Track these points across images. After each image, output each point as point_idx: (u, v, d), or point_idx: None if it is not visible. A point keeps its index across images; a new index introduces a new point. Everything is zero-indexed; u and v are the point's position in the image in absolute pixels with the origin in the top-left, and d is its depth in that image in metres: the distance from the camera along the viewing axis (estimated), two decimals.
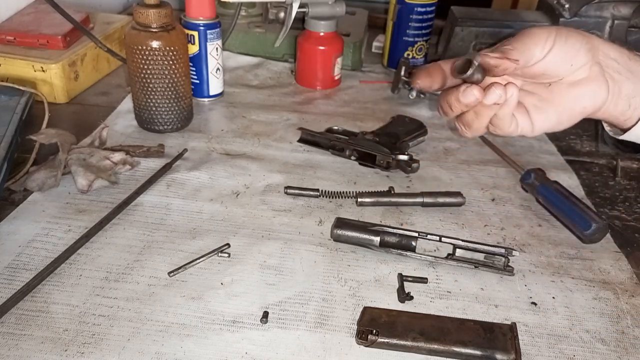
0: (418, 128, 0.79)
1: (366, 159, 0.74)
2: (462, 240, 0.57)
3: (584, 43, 0.50)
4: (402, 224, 0.63)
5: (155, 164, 0.70)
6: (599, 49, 0.51)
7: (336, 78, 0.96)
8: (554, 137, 0.84)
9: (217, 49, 0.85)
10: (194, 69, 0.84)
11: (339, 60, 0.94)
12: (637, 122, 0.53)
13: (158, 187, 0.66)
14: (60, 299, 0.50)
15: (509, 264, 0.56)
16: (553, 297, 0.54)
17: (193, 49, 0.83)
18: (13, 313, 0.48)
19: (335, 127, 0.79)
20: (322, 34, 0.91)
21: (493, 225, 0.64)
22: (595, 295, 0.55)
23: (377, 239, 0.58)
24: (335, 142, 0.75)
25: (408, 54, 1.01)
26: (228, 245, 0.58)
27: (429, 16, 0.98)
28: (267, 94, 0.93)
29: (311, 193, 0.66)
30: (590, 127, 0.87)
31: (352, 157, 0.75)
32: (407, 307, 0.52)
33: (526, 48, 0.49)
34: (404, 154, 0.71)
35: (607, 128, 0.58)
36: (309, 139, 0.78)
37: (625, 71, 0.51)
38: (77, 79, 0.87)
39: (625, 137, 0.55)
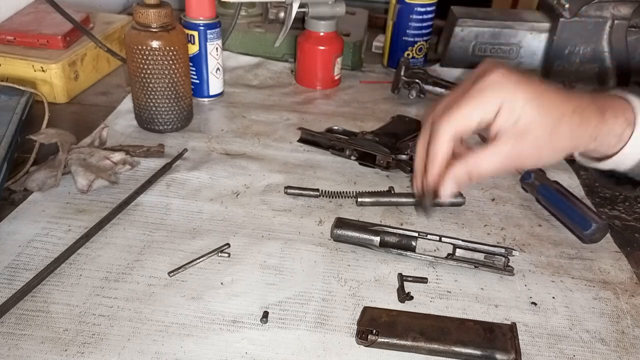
0: (418, 128, 0.79)
1: (366, 159, 0.74)
2: (462, 240, 0.57)
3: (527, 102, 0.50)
4: (402, 224, 0.63)
5: (155, 164, 0.70)
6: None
7: (336, 78, 0.96)
8: None
9: (217, 49, 0.85)
10: (194, 69, 0.84)
11: (339, 60, 0.94)
12: (612, 156, 0.54)
13: (158, 187, 0.66)
14: (60, 299, 0.50)
15: (509, 264, 0.56)
16: (553, 297, 0.54)
17: (193, 49, 0.83)
18: (13, 313, 0.48)
19: (335, 127, 0.79)
20: (322, 34, 0.91)
21: (493, 225, 0.64)
22: (595, 295, 0.55)
23: (377, 239, 0.58)
24: (335, 142, 0.75)
25: (408, 54, 1.01)
26: (228, 245, 0.58)
27: (429, 16, 0.98)
28: (267, 93, 0.93)
29: (311, 193, 0.66)
30: None
31: (352, 157, 0.75)
32: (407, 307, 0.52)
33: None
34: (404, 154, 0.71)
35: (578, 158, 0.58)
36: (308, 139, 0.78)
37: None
38: (77, 79, 0.87)
39: (591, 166, 0.56)
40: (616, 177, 0.59)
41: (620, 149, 0.53)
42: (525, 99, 0.50)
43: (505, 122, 0.50)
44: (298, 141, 0.78)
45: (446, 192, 0.53)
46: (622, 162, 0.55)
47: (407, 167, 0.71)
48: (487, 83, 0.50)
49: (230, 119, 0.84)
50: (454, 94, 0.53)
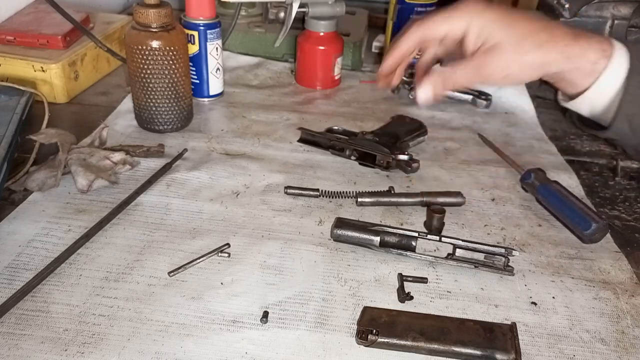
0: (418, 128, 0.79)
1: (366, 159, 0.74)
2: (462, 240, 0.57)
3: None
4: (402, 224, 0.63)
5: (155, 164, 0.70)
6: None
7: (336, 78, 0.96)
8: (554, 137, 0.84)
9: (217, 48, 0.85)
10: (194, 69, 0.84)
11: (339, 60, 0.94)
12: (584, 90, 0.58)
13: (158, 187, 0.66)
14: (60, 298, 0.50)
15: (509, 263, 0.56)
16: (553, 297, 0.54)
17: (193, 48, 0.83)
18: (13, 313, 0.48)
19: (335, 127, 0.79)
20: (322, 34, 0.91)
21: (493, 225, 0.64)
22: (595, 295, 0.55)
23: (377, 239, 0.58)
24: (335, 142, 0.75)
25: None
26: (228, 245, 0.58)
27: None
28: (267, 94, 0.93)
29: (311, 193, 0.66)
30: None
31: (352, 157, 0.75)
32: (407, 307, 0.52)
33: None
34: (404, 154, 0.71)
35: (559, 96, 0.64)
36: (308, 138, 0.78)
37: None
38: (77, 79, 0.87)
39: (570, 105, 0.61)
40: (591, 124, 0.62)
41: (594, 81, 0.57)
42: (492, 18, 0.57)
43: (475, 39, 0.58)
44: (298, 141, 0.78)
45: (421, 94, 0.62)
46: (597, 99, 0.58)
47: (408, 167, 0.71)
48: (459, 6, 0.59)
49: (230, 119, 0.84)
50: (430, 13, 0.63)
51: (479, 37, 0.58)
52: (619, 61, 0.56)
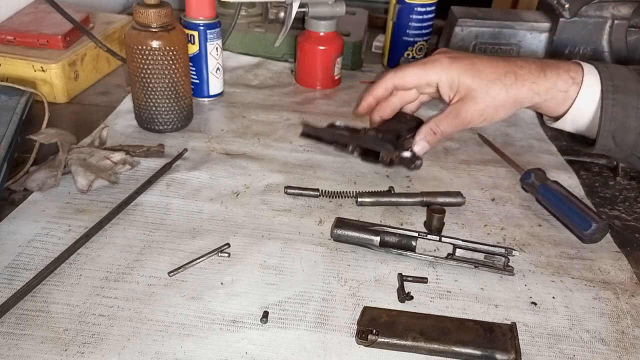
0: (419, 125, 0.79)
1: (369, 155, 0.73)
2: (462, 240, 0.57)
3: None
4: (402, 224, 0.63)
5: (155, 163, 0.70)
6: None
7: (336, 78, 0.96)
8: (554, 137, 0.84)
9: (217, 48, 0.85)
10: (194, 69, 0.84)
11: (339, 60, 0.94)
12: (564, 113, 0.62)
13: (158, 187, 0.66)
14: (60, 298, 0.50)
15: (509, 263, 0.56)
16: (553, 297, 0.54)
17: (193, 48, 0.83)
18: (13, 313, 0.48)
19: (338, 123, 0.78)
20: (322, 34, 0.91)
21: (493, 225, 0.64)
22: (595, 295, 0.55)
23: (377, 239, 0.58)
24: (338, 136, 0.74)
25: (408, 54, 1.01)
26: (228, 245, 0.58)
27: (429, 16, 0.98)
28: (267, 93, 0.93)
29: (311, 193, 0.66)
30: None
31: (355, 153, 0.74)
32: (407, 307, 0.52)
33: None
34: (407, 151, 0.71)
35: (544, 118, 0.67)
36: (310, 133, 0.77)
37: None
38: (77, 78, 0.87)
39: (555, 125, 0.64)
40: (585, 140, 0.65)
41: (570, 106, 0.61)
42: (459, 71, 0.63)
43: (448, 91, 0.65)
44: (300, 135, 0.77)
45: (418, 149, 0.68)
46: (577, 120, 0.62)
47: (411, 164, 0.70)
48: (429, 60, 0.66)
49: (230, 119, 0.84)
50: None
51: (451, 88, 0.64)
52: (590, 84, 0.59)
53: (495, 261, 0.56)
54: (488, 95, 0.62)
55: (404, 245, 0.58)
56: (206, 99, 0.88)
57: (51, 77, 0.82)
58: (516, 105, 0.63)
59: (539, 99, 0.61)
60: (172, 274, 0.54)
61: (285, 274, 0.55)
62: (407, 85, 0.68)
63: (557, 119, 0.63)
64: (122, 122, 0.80)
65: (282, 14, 1.02)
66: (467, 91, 0.63)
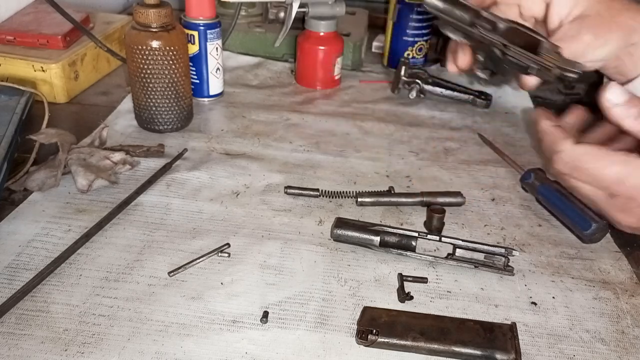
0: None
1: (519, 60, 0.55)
2: (462, 240, 0.57)
3: None
4: (402, 224, 0.63)
5: (155, 163, 0.70)
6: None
7: (336, 78, 0.96)
8: None
9: (217, 48, 0.85)
10: (194, 68, 0.84)
11: (339, 60, 0.94)
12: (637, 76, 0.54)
13: (158, 187, 0.66)
14: (60, 298, 0.50)
15: (509, 263, 0.56)
16: (553, 297, 0.54)
17: (193, 48, 0.83)
18: (13, 313, 0.48)
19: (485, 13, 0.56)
20: (322, 34, 0.91)
21: (493, 225, 0.64)
22: (595, 295, 0.55)
23: (377, 239, 0.58)
24: (480, 28, 0.55)
25: (408, 54, 1.01)
26: (228, 245, 0.58)
27: (429, 16, 0.98)
28: (267, 93, 0.93)
29: (311, 193, 0.66)
30: None
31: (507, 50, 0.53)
32: (407, 307, 0.52)
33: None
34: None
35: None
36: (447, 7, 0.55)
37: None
38: (77, 78, 0.87)
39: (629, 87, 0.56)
40: None
41: None
42: None
43: (564, 7, 0.54)
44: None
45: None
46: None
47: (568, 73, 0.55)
48: None
49: (230, 119, 0.84)
50: None
51: (563, 8, 0.55)
52: None
53: (495, 261, 0.56)
54: (610, 11, 0.53)
55: (404, 245, 0.58)
56: (206, 99, 0.88)
57: (51, 77, 0.82)
58: (629, 32, 0.53)
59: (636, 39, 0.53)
60: (172, 274, 0.54)
61: (285, 274, 0.55)
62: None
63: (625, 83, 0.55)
64: (122, 122, 0.80)
65: (282, 14, 1.02)
66: (584, 10, 0.53)
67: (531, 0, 0.57)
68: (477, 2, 0.56)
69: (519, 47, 0.51)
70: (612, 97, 0.49)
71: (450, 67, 0.60)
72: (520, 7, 0.58)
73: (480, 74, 0.57)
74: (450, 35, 0.56)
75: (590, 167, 0.50)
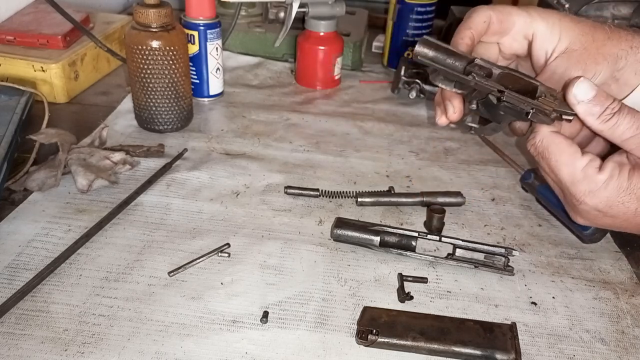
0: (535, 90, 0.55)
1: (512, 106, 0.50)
2: (462, 240, 0.57)
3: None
4: (402, 224, 0.63)
5: (155, 163, 0.70)
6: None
7: (336, 78, 0.96)
8: None
9: (217, 48, 0.85)
10: (194, 68, 0.84)
11: (339, 60, 0.94)
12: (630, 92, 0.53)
13: (158, 187, 0.66)
14: (60, 298, 0.50)
15: (509, 263, 0.56)
16: (553, 297, 0.54)
17: (193, 48, 0.83)
18: (13, 313, 0.48)
19: (478, 61, 0.51)
20: (322, 33, 0.91)
21: (493, 225, 0.64)
22: (595, 295, 0.55)
23: (377, 239, 0.58)
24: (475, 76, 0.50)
25: (408, 54, 1.01)
26: (228, 245, 0.58)
27: (429, 16, 0.98)
28: (267, 93, 0.93)
29: (311, 193, 0.66)
30: None
31: (501, 99, 0.50)
32: (407, 307, 0.52)
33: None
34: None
35: None
36: (430, 53, 0.51)
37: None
38: (77, 78, 0.87)
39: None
40: None
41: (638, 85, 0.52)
42: (556, 17, 0.52)
43: (548, 43, 0.52)
44: (415, 54, 0.52)
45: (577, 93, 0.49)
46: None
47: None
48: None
49: (230, 119, 0.84)
50: None
51: (550, 40, 0.53)
52: None
53: (495, 261, 0.56)
54: (595, 42, 0.51)
55: (404, 245, 0.58)
56: (206, 99, 0.88)
57: (51, 77, 0.82)
58: (614, 58, 0.52)
59: (624, 62, 0.51)
60: (172, 274, 0.54)
61: (285, 274, 0.55)
62: (507, 24, 0.54)
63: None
64: (122, 122, 0.80)
65: (282, 14, 1.02)
66: (569, 40, 0.52)
67: (511, 37, 0.55)
68: (466, 49, 0.54)
69: (514, 92, 0.50)
70: (578, 93, 0.48)
71: (441, 120, 0.57)
72: (500, 45, 0.56)
73: (470, 123, 0.56)
74: (442, 85, 0.54)
75: (552, 160, 0.50)
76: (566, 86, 0.49)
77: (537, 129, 0.51)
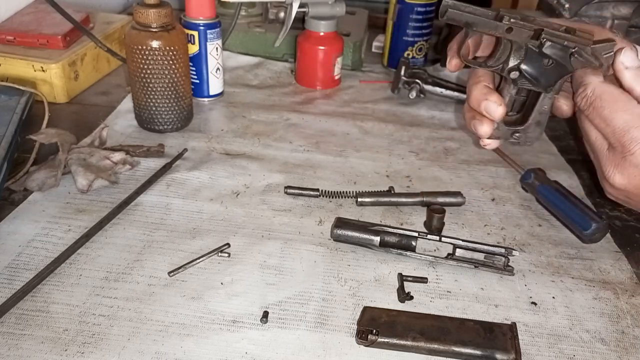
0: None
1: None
2: (462, 240, 0.57)
3: None
4: (402, 224, 0.63)
5: (155, 163, 0.70)
6: None
7: (336, 78, 0.96)
8: (554, 137, 0.84)
9: (217, 48, 0.85)
10: (194, 68, 0.84)
11: (339, 60, 0.94)
12: None
13: (158, 187, 0.66)
14: (60, 298, 0.50)
15: (509, 263, 0.56)
16: (553, 297, 0.54)
17: (193, 48, 0.83)
18: (13, 313, 0.48)
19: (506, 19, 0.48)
20: (322, 33, 0.91)
21: (493, 225, 0.64)
22: (595, 295, 0.55)
23: (377, 239, 0.58)
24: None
25: (408, 54, 1.01)
26: (228, 245, 0.58)
27: (429, 16, 0.98)
28: (267, 93, 0.93)
29: (311, 193, 0.66)
30: None
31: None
32: (407, 307, 0.52)
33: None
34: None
35: None
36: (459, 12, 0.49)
37: None
38: (77, 78, 0.87)
39: None
40: None
41: None
42: None
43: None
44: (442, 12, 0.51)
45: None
46: None
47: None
48: None
49: (230, 119, 0.84)
50: None
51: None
52: None
53: (495, 261, 0.56)
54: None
55: (404, 245, 0.58)
56: (206, 99, 0.88)
57: (51, 77, 0.82)
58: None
59: None
60: (172, 274, 0.54)
61: (285, 274, 0.55)
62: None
63: None
64: (122, 122, 0.80)
65: (282, 14, 1.02)
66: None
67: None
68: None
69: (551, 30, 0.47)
70: (625, 60, 0.49)
71: (452, 63, 0.57)
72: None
73: (512, 140, 0.56)
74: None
75: (605, 109, 0.50)
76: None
77: (587, 81, 0.51)
